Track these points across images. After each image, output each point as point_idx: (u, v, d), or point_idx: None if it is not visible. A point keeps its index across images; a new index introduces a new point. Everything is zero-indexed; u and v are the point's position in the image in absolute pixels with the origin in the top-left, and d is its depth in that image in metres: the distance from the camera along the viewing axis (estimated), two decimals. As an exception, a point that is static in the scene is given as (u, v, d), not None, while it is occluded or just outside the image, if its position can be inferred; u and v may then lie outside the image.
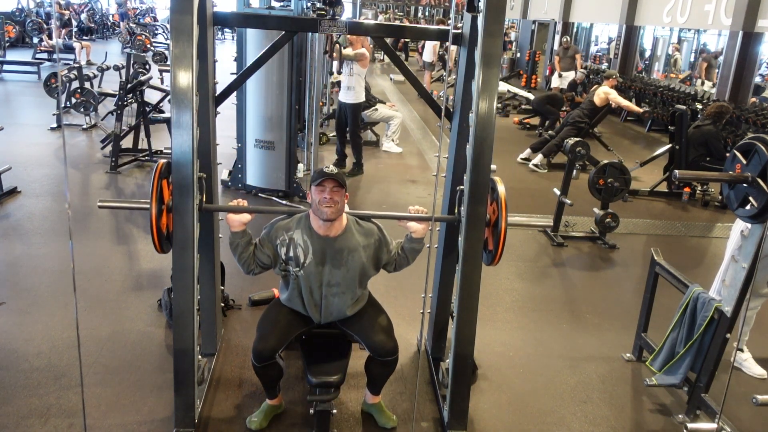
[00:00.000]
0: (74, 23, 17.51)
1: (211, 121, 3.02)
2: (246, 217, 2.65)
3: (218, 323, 3.40)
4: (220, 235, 3.34)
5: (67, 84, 8.16)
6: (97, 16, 21.52)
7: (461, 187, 2.72)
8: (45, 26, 14.13)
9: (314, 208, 2.60)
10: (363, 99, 7.24)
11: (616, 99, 7.90)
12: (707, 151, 6.82)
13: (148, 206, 2.50)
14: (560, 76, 12.94)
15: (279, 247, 2.68)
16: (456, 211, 2.81)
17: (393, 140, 8.61)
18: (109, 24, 22.14)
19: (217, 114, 3.18)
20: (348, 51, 6.88)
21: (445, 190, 3.21)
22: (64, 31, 15.83)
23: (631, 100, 12.18)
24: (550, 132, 8.38)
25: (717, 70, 10.85)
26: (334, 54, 6.68)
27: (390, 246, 2.79)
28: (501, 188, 2.62)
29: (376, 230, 2.77)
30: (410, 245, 2.77)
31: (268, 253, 2.69)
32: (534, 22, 18.33)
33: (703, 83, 12.22)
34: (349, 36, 6.97)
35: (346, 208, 2.73)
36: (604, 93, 7.89)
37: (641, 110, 8.27)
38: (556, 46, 15.60)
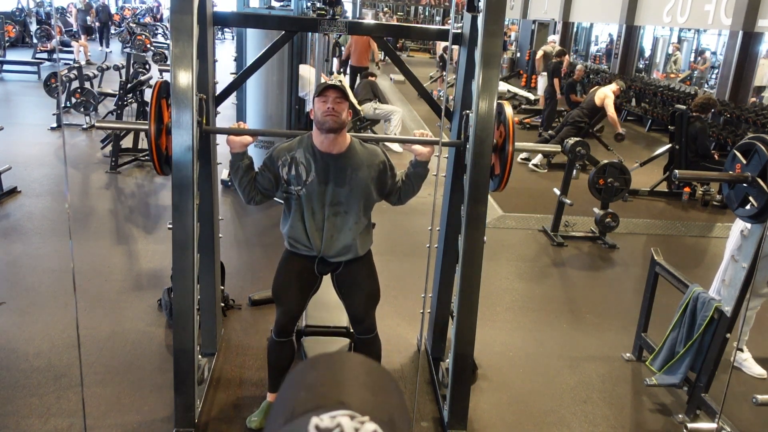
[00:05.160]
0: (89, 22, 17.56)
1: (211, 121, 3.02)
2: (247, 138, 2.61)
3: (218, 323, 3.40)
4: (221, 218, 3.35)
5: (67, 84, 8.16)
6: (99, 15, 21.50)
7: (467, 111, 2.70)
8: (52, 33, 14.14)
9: (316, 121, 2.52)
10: None
11: (609, 106, 7.87)
12: (697, 147, 6.84)
13: (146, 126, 2.49)
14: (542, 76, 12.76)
15: (281, 168, 2.58)
16: (461, 136, 2.80)
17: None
18: (109, 24, 22.10)
19: (217, 114, 3.18)
20: None
21: (445, 190, 3.22)
22: (87, 36, 15.94)
23: (630, 101, 12.20)
24: (549, 132, 8.37)
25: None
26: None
27: (395, 171, 2.71)
28: (509, 110, 2.60)
29: (380, 152, 2.66)
30: (415, 170, 2.68)
31: (270, 177, 2.59)
32: (534, 22, 18.35)
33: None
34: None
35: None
36: (604, 94, 7.89)
37: (619, 130, 8.27)
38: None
